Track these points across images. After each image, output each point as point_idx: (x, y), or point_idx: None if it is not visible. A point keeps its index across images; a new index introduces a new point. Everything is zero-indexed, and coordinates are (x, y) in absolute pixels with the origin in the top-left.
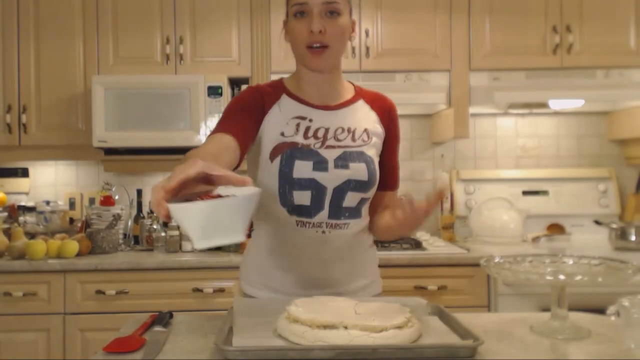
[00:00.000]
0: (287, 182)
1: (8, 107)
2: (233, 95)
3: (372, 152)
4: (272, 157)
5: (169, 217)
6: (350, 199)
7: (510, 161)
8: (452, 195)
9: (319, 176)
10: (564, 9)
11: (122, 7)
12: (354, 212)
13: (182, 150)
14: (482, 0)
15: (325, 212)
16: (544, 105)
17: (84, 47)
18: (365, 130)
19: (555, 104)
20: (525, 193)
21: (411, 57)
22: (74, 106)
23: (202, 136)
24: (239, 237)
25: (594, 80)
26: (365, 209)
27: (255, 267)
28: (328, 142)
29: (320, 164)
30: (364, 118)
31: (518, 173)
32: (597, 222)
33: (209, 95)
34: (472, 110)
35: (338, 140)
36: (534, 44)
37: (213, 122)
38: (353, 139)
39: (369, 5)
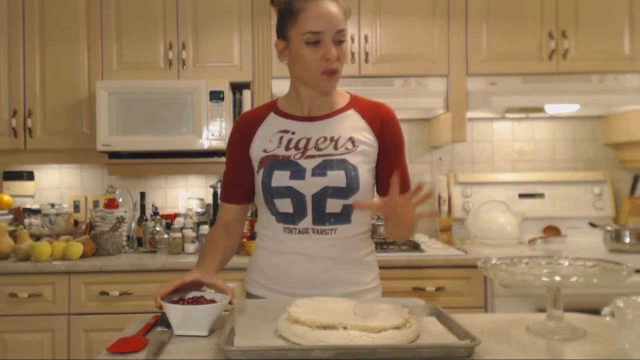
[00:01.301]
0: (268, 192)
1: (14, 112)
2: (234, 99)
3: (357, 159)
4: (258, 169)
5: (161, 307)
6: (332, 205)
7: (506, 165)
8: (449, 198)
9: (295, 184)
10: (559, 16)
11: (126, 14)
12: (341, 218)
13: (185, 154)
14: (479, 6)
15: (309, 218)
16: (540, 109)
17: (88, 53)
18: (351, 138)
19: (551, 109)
20: (521, 196)
21: (409, 63)
22: (79, 111)
23: (205, 140)
24: (203, 333)
25: (589, 85)
26: (357, 216)
27: (256, 267)
28: (308, 152)
29: (298, 173)
30: (351, 127)
31: (514, 176)
32: (592, 225)
33: (211, 99)
34: (470, 114)
35: (319, 149)
36: (530, 49)
37: (215, 126)
38: (335, 147)
39: (368, 11)
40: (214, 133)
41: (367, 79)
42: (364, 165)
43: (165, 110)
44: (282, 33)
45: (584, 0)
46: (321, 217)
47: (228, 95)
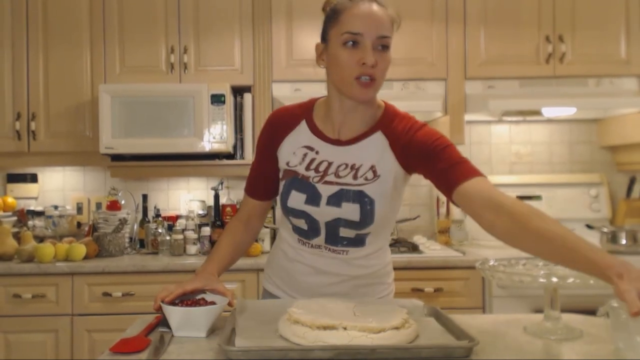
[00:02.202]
0: (285, 209)
1: (17, 115)
2: (235, 102)
3: (375, 190)
4: (282, 179)
5: (159, 309)
6: (346, 232)
7: (504, 167)
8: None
9: (310, 210)
10: (556, 20)
11: (128, 18)
12: (354, 242)
13: (187, 157)
14: (477, 11)
15: (322, 237)
16: (537, 112)
17: (91, 57)
18: (372, 167)
19: (548, 112)
20: (519, 198)
21: (408, 66)
22: (82, 114)
23: (206, 143)
24: (201, 335)
25: (586, 88)
26: (371, 238)
27: (272, 265)
28: (327, 178)
29: (314, 199)
30: (374, 154)
31: (512, 179)
32: (589, 226)
33: (212, 103)
34: (468, 117)
35: (338, 176)
36: (527, 53)
37: (216, 129)
38: (355, 177)
39: None
40: (215, 136)
41: None
42: (384, 196)
43: (167, 113)
44: (323, 36)
45: (581, 4)
46: (334, 240)
47: (229, 99)
